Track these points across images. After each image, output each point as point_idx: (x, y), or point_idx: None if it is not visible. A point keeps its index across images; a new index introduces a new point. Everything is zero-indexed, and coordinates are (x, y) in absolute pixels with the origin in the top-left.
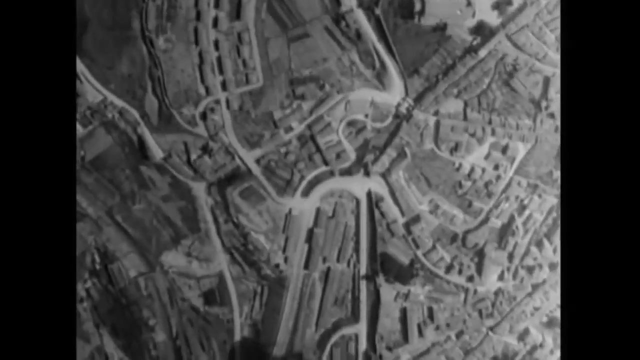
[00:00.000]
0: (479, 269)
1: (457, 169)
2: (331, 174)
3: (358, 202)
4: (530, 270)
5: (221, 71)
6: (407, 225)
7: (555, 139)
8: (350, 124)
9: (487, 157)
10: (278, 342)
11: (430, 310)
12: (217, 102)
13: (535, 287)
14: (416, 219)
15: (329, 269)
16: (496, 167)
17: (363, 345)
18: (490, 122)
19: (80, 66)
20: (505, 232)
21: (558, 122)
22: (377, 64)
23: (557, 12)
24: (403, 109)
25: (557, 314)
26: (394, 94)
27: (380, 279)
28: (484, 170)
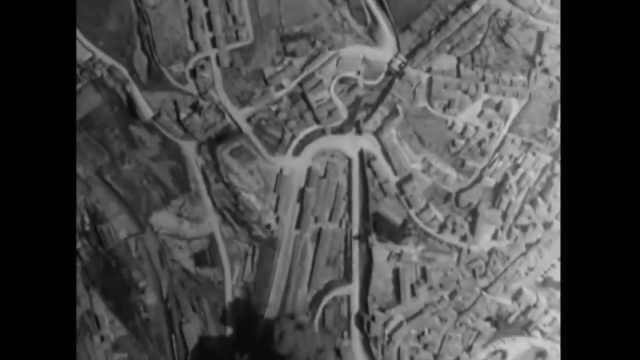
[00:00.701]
0: (473, 229)
1: (450, 127)
2: (322, 132)
3: (350, 162)
4: (524, 229)
5: (211, 27)
6: (400, 185)
7: (550, 96)
8: (342, 81)
9: (480, 114)
10: (270, 304)
11: (423, 270)
12: (207, 59)
13: (529, 246)
14: (409, 178)
15: (320, 229)
16: (490, 125)
17: (355, 306)
18: (483, 79)
19: None
20: (499, 191)
21: (552, 78)
22: (369, 20)
23: None
24: (395, 66)
25: (552, 274)
26: (386, 51)
27: (373, 239)
28: (477, 128)
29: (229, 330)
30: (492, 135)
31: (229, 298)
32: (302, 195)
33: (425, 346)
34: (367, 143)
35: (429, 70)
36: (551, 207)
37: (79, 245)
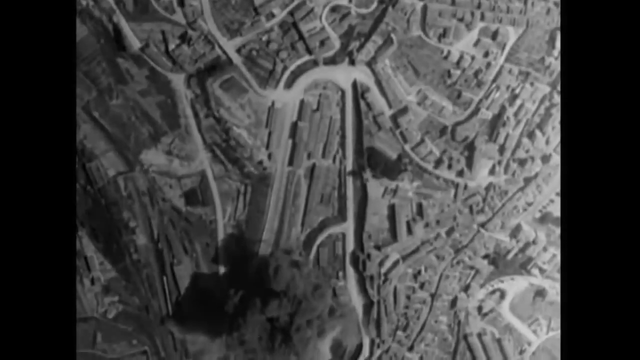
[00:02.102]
0: (469, 163)
1: (446, 57)
2: (315, 63)
3: (343, 94)
4: (522, 163)
5: None
6: (395, 118)
7: (547, 23)
8: (334, 9)
9: (476, 43)
10: (263, 241)
11: (419, 206)
12: None
13: (527, 181)
14: (404, 110)
15: (314, 165)
16: (486, 54)
17: (350, 244)
18: (479, 6)
19: None
20: (496, 123)
21: (550, 4)
22: None
23: None
24: None
25: (551, 209)
26: None
27: (367, 175)
28: (473, 57)
29: (222, 269)
30: (488, 65)
31: (221, 238)
32: (294, 130)
33: (422, 285)
34: (361, 74)
35: None
36: (549, 139)
37: None
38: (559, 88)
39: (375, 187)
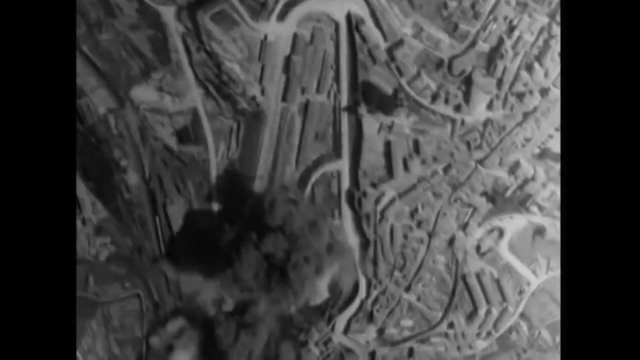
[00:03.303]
0: (467, 98)
1: None
2: None
3: (337, 27)
4: (520, 97)
5: None
6: (390, 51)
7: None
8: None
9: None
10: (257, 179)
11: (415, 142)
12: None
13: (525, 115)
14: (399, 43)
15: (308, 101)
16: None
17: (346, 182)
18: None
19: None
20: (493, 56)
21: None
22: None
23: None
24: None
25: (550, 144)
26: None
27: (363, 110)
28: None
29: (216, 207)
30: None
31: (213, 177)
32: (287, 64)
33: (419, 224)
34: (355, 6)
35: None
36: (548, 72)
37: None
38: (558, 18)
39: (371, 123)
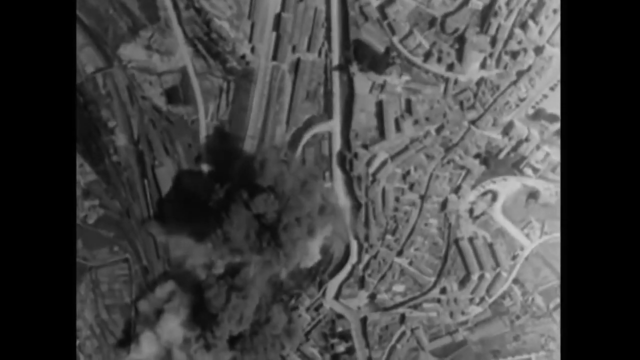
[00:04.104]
0: (460, 56)
1: None
2: None
3: None
4: (514, 55)
5: None
6: (382, 8)
7: None
8: None
9: None
10: (247, 139)
11: (408, 102)
12: None
13: (520, 74)
14: (391, 0)
15: (298, 59)
16: None
17: (337, 144)
18: None
19: None
20: (487, 13)
21: None
22: None
23: None
24: None
25: (544, 105)
26: None
27: (354, 68)
28: None
29: (206, 168)
30: None
31: (203, 138)
32: (278, 22)
33: (411, 186)
34: None
35: None
36: (543, 30)
37: None
38: None
39: (363, 82)
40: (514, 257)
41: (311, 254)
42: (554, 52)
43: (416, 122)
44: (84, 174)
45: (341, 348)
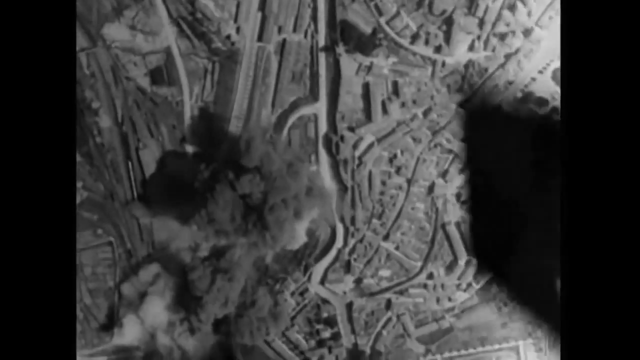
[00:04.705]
0: (448, 38)
1: None
2: None
3: None
4: (502, 37)
5: None
6: None
7: None
8: None
9: None
10: (231, 127)
11: (395, 84)
12: None
13: (508, 57)
14: None
15: (284, 40)
16: None
17: (323, 126)
18: None
19: None
20: None
21: None
22: None
23: None
24: None
25: (532, 88)
26: None
27: (340, 49)
28: None
29: (190, 150)
30: None
31: (187, 120)
32: (264, 2)
33: (398, 170)
34: None
35: None
36: (531, 11)
37: None
38: None
39: (349, 63)
40: None
41: (297, 236)
42: (543, 34)
43: (403, 104)
44: None
45: (326, 334)
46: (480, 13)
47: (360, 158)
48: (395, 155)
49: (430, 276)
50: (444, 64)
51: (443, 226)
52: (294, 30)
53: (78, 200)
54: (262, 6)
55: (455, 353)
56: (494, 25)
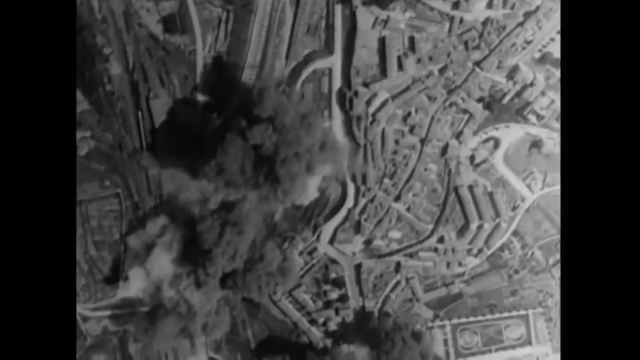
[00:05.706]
0: None
1: None
2: None
3: None
4: None
5: None
6: None
7: None
8: None
9: None
10: (244, 77)
11: (411, 40)
12: None
13: (527, 15)
14: None
15: None
16: None
17: (337, 81)
18: None
19: None
20: None
21: None
22: None
23: None
24: None
25: (551, 48)
26: None
27: (357, 2)
28: None
29: (202, 99)
30: None
31: (199, 70)
32: None
33: (412, 129)
34: None
35: None
36: None
37: None
38: None
39: (365, 16)
40: (514, 208)
41: (309, 191)
42: None
43: (419, 60)
44: (77, 102)
45: (334, 295)
46: None
47: (373, 115)
48: (409, 114)
49: (441, 240)
50: (461, 21)
51: (455, 189)
52: None
53: (85, 150)
54: None
55: (464, 319)
56: None
